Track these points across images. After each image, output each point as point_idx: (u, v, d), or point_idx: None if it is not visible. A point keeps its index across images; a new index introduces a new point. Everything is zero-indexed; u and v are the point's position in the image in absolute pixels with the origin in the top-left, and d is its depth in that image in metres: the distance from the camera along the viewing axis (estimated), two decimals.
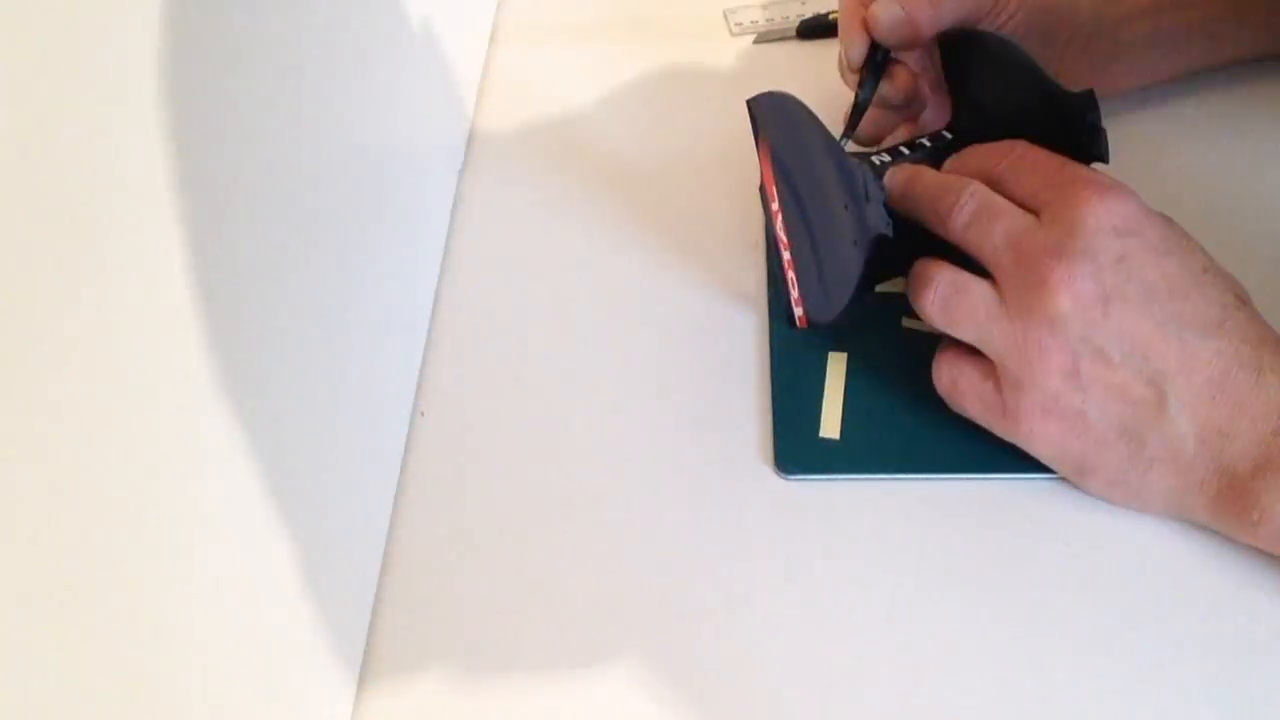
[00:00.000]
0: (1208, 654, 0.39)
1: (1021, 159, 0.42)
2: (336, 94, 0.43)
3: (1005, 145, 0.43)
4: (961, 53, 0.48)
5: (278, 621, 0.36)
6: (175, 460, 0.30)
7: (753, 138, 0.47)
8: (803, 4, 0.65)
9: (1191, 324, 0.39)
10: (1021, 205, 0.41)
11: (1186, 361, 0.39)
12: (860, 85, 0.48)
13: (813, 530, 0.43)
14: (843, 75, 0.51)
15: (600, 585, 0.43)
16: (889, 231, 0.43)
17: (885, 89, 0.49)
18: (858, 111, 0.49)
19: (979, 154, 0.44)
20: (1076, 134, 0.43)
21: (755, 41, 0.64)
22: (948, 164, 0.45)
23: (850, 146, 0.50)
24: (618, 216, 0.55)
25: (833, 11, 0.62)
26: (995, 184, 0.42)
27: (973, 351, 0.42)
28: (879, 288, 0.49)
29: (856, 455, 0.45)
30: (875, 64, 0.48)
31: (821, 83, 0.52)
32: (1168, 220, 0.41)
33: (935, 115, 0.50)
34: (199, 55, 0.32)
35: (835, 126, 0.48)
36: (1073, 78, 0.45)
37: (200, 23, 0.32)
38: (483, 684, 0.41)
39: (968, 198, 0.42)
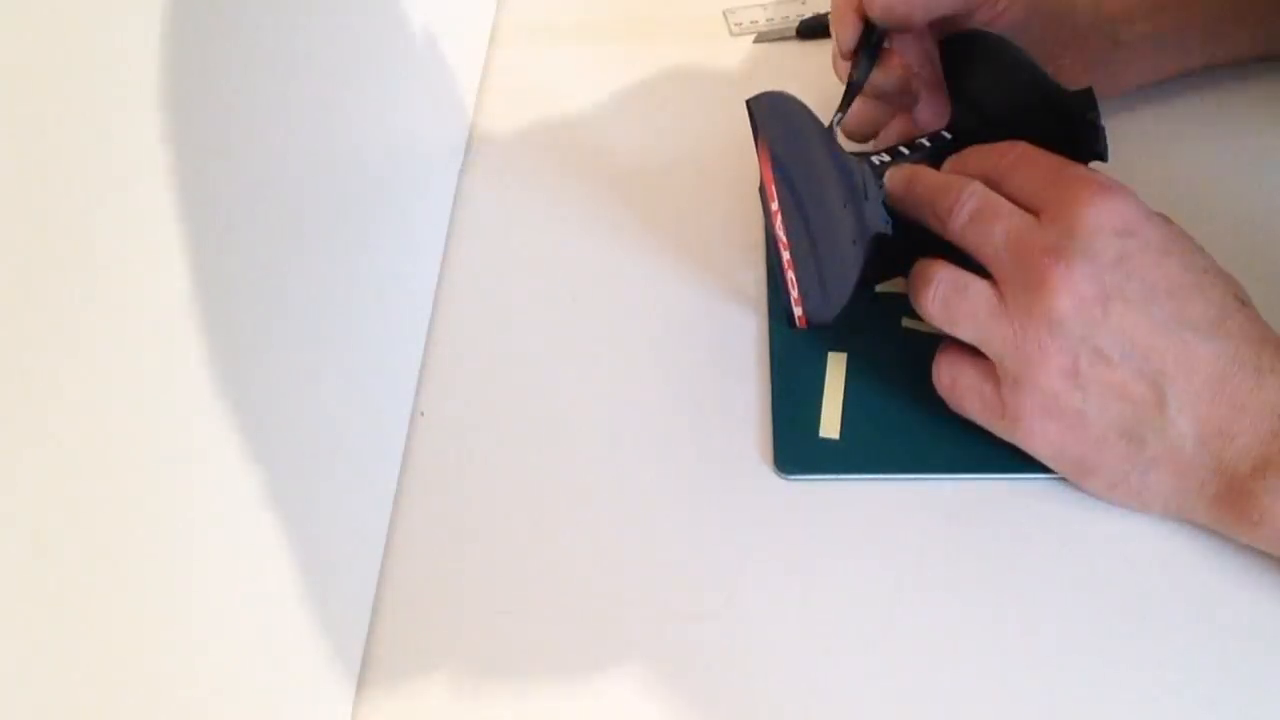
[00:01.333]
0: (1208, 654, 0.39)
1: (1021, 159, 0.42)
2: (336, 94, 0.43)
3: (1005, 146, 0.43)
4: (961, 52, 0.48)
5: (276, 625, 0.36)
6: (172, 461, 0.30)
7: (752, 138, 0.47)
8: (803, 4, 0.65)
9: (1191, 324, 0.39)
10: (1022, 206, 0.41)
11: (1186, 362, 0.39)
12: (854, 66, 0.48)
13: (813, 530, 0.43)
14: (835, 67, 0.50)
15: (599, 586, 0.43)
16: (888, 231, 0.43)
17: (878, 76, 0.48)
18: (851, 91, 0.48)
19: (979, 155, 0.44)
20: (1076, 133, 0.43)
21: (755, 41, 0.64)
22: (947, 164, 0.45)
23: (850, 147, 0.50)
24: (618, 216, 0.55)
25: None
26: (995, 185, 0.42)
27: (973, 351, 0.42)
28: (879, 288, 0.49)
29: (856, 455, 0.45)
30: (869, 47, 0.48)
31: (821, 83, 0.52)
32: (1168, 220, 0.41)
33: (933, 114, 0.50)
34: (198, 56, 0.32)
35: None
36: (1070, 75, 0.45)
37: (199, 23, 0.32)
38: (483, 687, 0.41)
39: (967, 197, 0.42)
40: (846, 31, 0.48)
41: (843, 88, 0.50)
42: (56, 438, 0.25)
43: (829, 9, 0.61)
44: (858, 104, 0.49)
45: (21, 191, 0.24)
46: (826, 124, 0.46)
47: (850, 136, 0.50)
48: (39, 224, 0.25)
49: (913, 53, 0.49)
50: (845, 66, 0.49)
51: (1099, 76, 0.50)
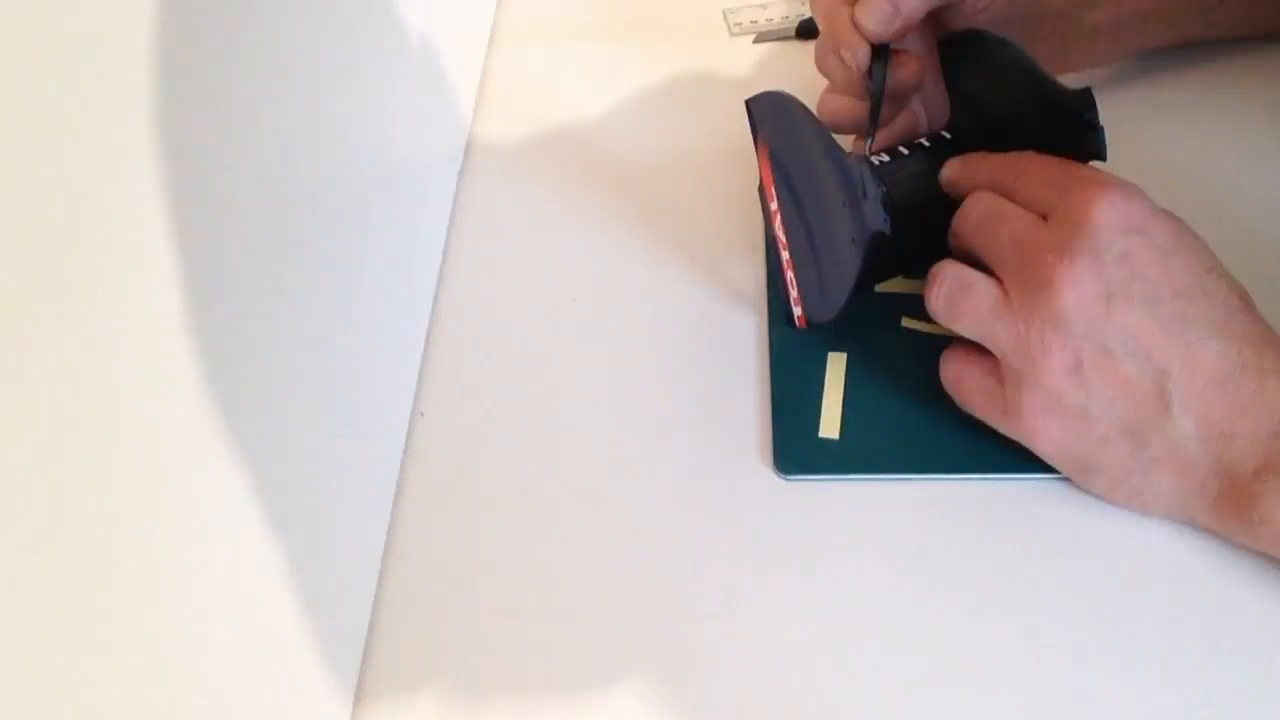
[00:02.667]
0: (1208, 656, 0.39)
1: (1029, 166, 0.42)
2: (335, 96, 0.43)
3: (1013, 156, 0.43)
4: (961, 53, 0.48)
5: (273, 627, 0.36)
6: (169, 463, 0.30)
7: (752, 138, 0.47)
8: (803, 4, 0.65)
9: (1195, 324, 0.39)
10: (1031, 211, 0.41)
11: (1189, 362, 0.39)
12: (870, 78, 0.48)
13: (812, 531, 0.43)
14: (820, 67, 0.50)
15: (599, 587, 0.43)
16: (887, 229, 0.43)
17: (896, 81, 0.48)
18: (876, 106, 0.48)
19: (988, 166, 0.44)
20: (1075, 133, 0.44)
21: (755, 41, 0.64)
22: (955, 171, 0.45)
23: (846, 144, 0.50)
24: (618, 216, 0.55)
25: None
26: (1005, 194, 0.42)
27: (979, 349, 0.43)
28: (879, 288, 0.49)
29: (856, 455, 0.45)
30: (881, 57, 0.47)
31: (821, 83, 0.52)
32: (1174, 219, 0.41)
33: (938, 106, 0.50)
34: (196, 59, 0.32)
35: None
36: (1037, 58, 0.46)
37: (196, 29, 0.32)
38: (483, 689, 0.40)
39: (974, 203, 0.42)
40: (858, 51, 0.47)
41: (825, 82, 0.49)
42: (48, 439, 0.25)
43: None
44: (852, 104, 0.48)
45: (19, 198, 0.24)
46: (849, 147, 0.45)
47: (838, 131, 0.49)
48: (40, 227, 0.25)
49: (917, 48, 0.49)
50: (832, 62, 0.48)
51: (1059, 59, 0.51)
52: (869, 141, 0.47)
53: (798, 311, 0.48)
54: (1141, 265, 0.39)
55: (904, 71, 0.47)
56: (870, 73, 0.47)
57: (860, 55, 0.47)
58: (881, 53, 0.47)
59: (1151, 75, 0.58)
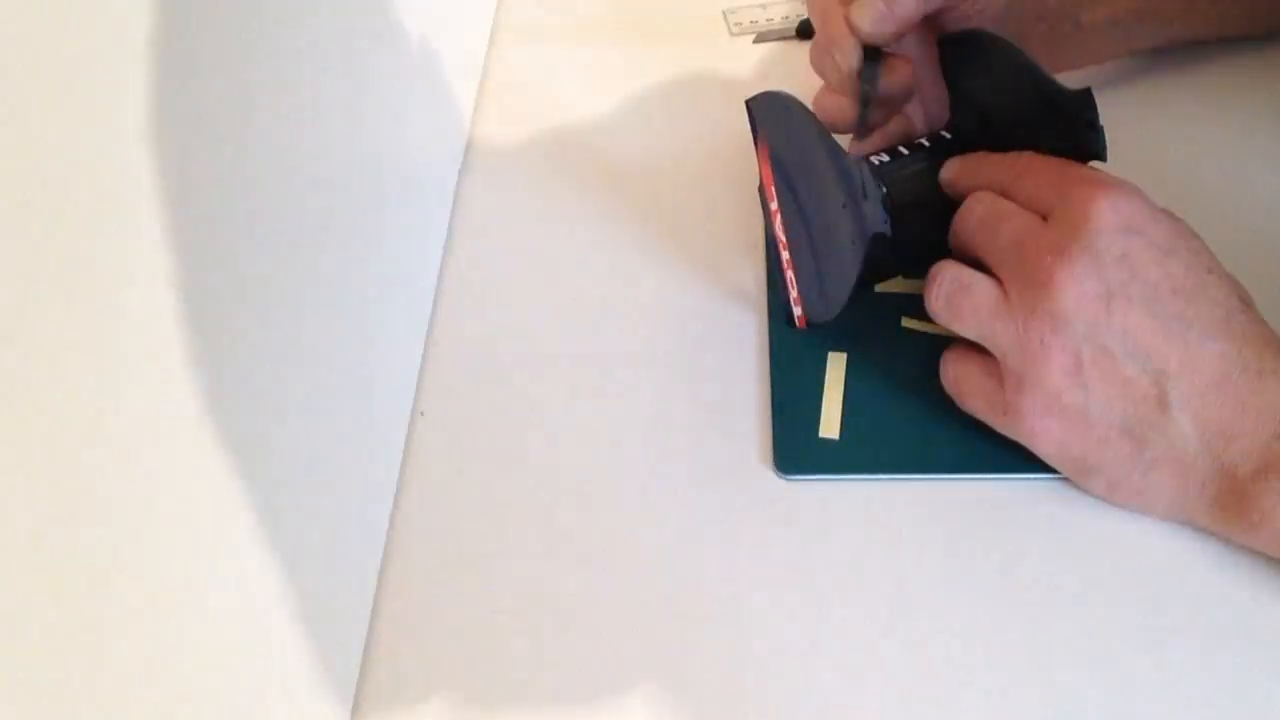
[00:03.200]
0: (1208, 656, 0.39)
1: (1029, 167, 0.42)
2: (336, 96, 0.43)
3: (1013, 156, 0.43)
4: (961, 53, 0.48)
5: (271, 634, 0.35)
6: (167, 464, 0.30)
7: (752, 138, 0.47)
8: (803, 4, 0.64)
9: (1194, 324, 0.39)
10: (1031, 211, 0.41)
11: (1189, 362, 0.39)
12: (861, 79, 0.47)
13: (813, 531, 0.43)
14: (815, 66, 0.50)
15: (599, 587, 0.43)
16: (887, 230, 0.43)
17: (887, 84, 0.48)
18: (866, 106, 0.47)
19: (988, 166, 0.44)
20: (1074, 133, 0.43)
21: (755, 41, 0.64)
22: (956, 172, 0.45)
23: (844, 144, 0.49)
24: (618, 217, 0.55)
25: None
26: (1005, 194, 0.42)
27: (979, 349, 0.43)
28: (879, 288, 0.49)
29: (856, 455, 0.45)
30: (871, 61, 0.47)
31: (820, 83, 0.52)
32: (1174, 219, 0.41)
33: (935, 107, 0.50)
34: (197, 59, 0.32)
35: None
36: (1036, 57, 0.46)
37: (197, 27, 0.32)
38: (483, 690, 0.40)
39: (975, 203, 0.42)
40: (850, 53, 0.47)
41: (821, 83, 0.49)
42: (46, 441, 0.25)
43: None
44: (847, 104, 0.48)
45: (19, 197, 0.24)
46: (848, 147, 0.45)
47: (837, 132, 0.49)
48: (40, 227, 0.25)
49: (912, 51, 0.49)
50: (827, 61, 0.48)
51: (1055, 58, 0.50)
52: (859, 141, 0.47)
53: (798, 311, 0.48)
54: (1141, 266, 0.39)
55: (895, 76, 0.47)
56: (861, 74, 0.47)
57: (851, 56, 0.46)
58: (874, 54, 0.46)
59: (1151, 75, 0.58)
